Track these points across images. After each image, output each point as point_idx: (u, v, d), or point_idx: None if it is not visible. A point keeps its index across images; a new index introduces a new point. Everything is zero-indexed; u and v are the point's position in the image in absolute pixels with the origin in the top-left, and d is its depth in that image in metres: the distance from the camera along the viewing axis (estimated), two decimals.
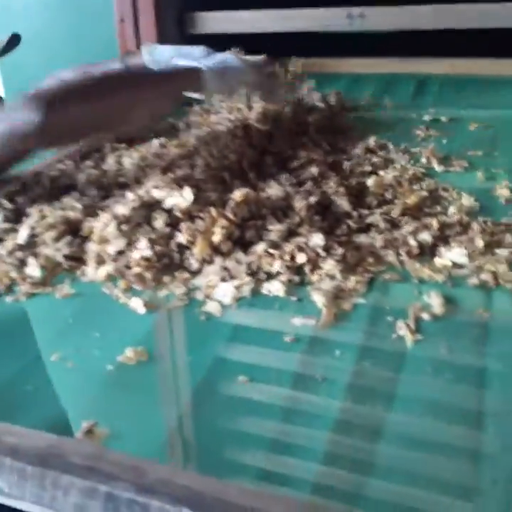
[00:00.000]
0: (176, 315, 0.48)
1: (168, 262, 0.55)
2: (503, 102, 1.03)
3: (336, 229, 0.61)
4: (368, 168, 0.76)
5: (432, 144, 0.82)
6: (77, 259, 0.57)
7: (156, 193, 0.60)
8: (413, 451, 0.35)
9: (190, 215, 0.58)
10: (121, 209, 0.58)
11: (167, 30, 1.23)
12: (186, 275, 0.54)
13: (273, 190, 0.64)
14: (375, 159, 0.79)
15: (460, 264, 0.53)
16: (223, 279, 0.52)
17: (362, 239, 0.59)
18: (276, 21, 1.20)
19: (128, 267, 0.54)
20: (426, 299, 0.48)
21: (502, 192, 0.69)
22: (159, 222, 0.58)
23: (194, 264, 0.54)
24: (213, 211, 0.57)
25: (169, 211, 0.59)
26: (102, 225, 0.57)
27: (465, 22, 1.10)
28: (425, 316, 0.46)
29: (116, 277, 0.53)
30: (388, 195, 0.69)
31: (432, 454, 0.34)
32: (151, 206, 0.59)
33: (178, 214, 0.58)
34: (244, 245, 0.57)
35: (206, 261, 0.55)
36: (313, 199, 0.62)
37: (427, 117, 0.94)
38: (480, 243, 0.57)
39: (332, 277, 0.51)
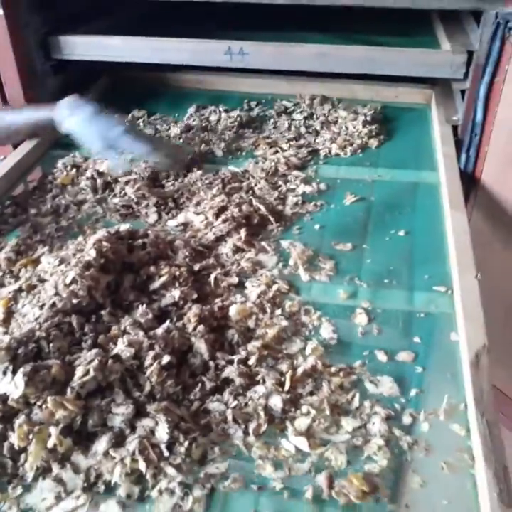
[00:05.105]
0: None
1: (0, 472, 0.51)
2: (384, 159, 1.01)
3: (190, 392, 0.59)
4: (234, 280, 0.74)
5: (299, 245, 0.80)
6: None
7: None
8: None
9: (26, 402, 0.55)
10: None
11: (28, 54, 1.10)
12: (19, 491, 0.51)
13: (122, 346, 0.60)
14: (243, 263, 0.76)
15: (301, 453, 0.54)
16: (58, 497, 0.50)
17: (215, 405, 0.58)
18: (149, 51, 1.09)
19: None
20: None
21: (360, 320, 0.69)
22: None
23: (29, 474, 0.51)
24: (50, 402, 0.54)
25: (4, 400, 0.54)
26: None
27: (351, 66, 1.06)
28: None
29: None
30: (251, 323, 0.68)
31: None
32: None
33: (13, 404, 0.54)
34: (87, 437, 0.54)
35: (43, 468, 0.52)
36: (166, 359, 0.60)
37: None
38: (327, 411, 0.57)
39: (172, 492, 0.50)
